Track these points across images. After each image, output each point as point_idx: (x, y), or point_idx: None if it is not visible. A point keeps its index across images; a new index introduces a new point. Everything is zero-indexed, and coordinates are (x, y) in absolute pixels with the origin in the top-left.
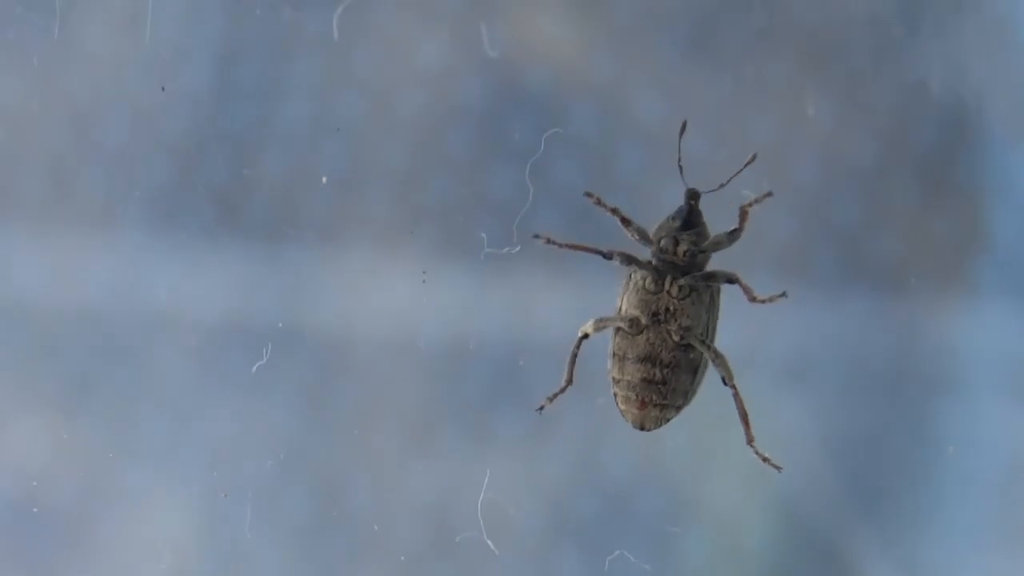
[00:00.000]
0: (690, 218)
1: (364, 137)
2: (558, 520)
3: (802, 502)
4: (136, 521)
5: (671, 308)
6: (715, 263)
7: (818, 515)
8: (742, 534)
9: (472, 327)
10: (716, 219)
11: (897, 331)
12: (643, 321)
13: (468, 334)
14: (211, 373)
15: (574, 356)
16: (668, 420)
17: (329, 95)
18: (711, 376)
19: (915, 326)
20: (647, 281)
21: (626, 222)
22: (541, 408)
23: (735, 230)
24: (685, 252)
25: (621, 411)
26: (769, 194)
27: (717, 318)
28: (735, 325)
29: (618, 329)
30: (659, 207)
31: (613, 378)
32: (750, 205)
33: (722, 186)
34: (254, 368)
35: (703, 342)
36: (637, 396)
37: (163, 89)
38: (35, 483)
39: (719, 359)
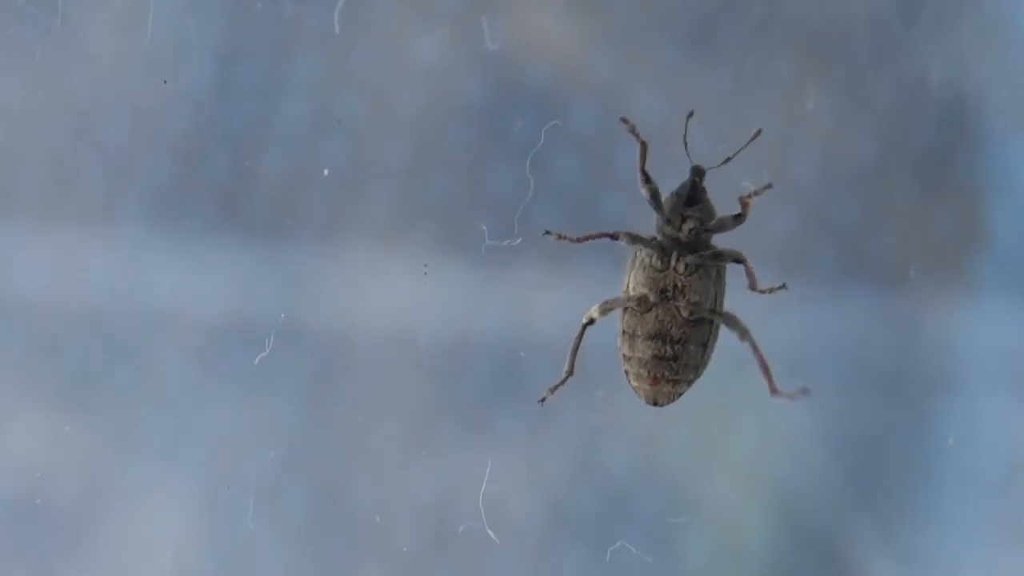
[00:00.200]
0: (694, 194)
1: (364, 133)
2: (559, 514)
3: (802, 499)
4: (137, 519)
5: (679, 285)
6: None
7: (818, 512)
8: (742, 531)
9: (473, 323)
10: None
11: (897, 328)
12: (651, 299)
13: (469, 329)
14: (212, 371)
15: (576, 346)
16: (680, 395)
17: (329, 92)
18: (710, 371)
19: (915, 323)
20: (653, 259)
21: (645, 176)
22: (543, 400)
23: (740, 214)
24: (691, 230)
25: (633, 388)
26: (769, 186)
27: (724, 291)
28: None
29: (627, 307)
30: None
31: (623, 355)
32: (750, 196)
33: (728, 160)
34: (256, 360)
35: (712, 310)
36: (649, 373)
37: (165, 82)
38: (36, 481)
39: (730, 319)
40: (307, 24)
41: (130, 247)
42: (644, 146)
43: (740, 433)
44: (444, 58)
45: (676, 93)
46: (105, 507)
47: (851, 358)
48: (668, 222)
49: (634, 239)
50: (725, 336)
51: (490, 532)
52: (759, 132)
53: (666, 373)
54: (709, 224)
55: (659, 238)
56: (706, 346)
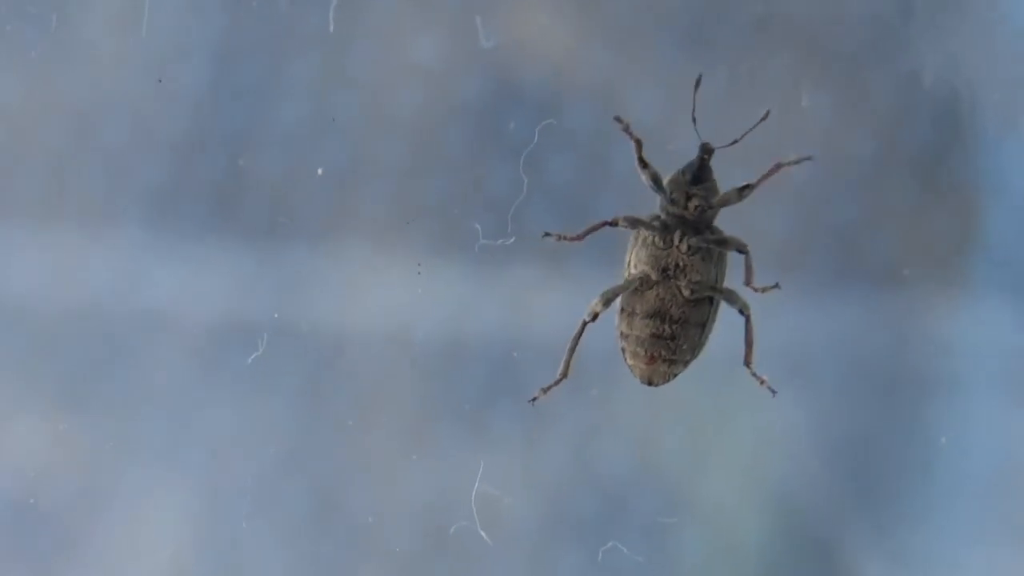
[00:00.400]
0: (701, 172)
1: (360, 133)
2: (554, 514)
3: (797, 499)
4: (135, 519)
5: (681, 264)
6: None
7: (813, 512)
8: (738, 530)
9: (468, 322)
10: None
11: (892, 328)
12: (653, 277)
13: (464, 329)
14: (209, 371)
15: (574, 346)
16: (676, 375)
17: (325, 92)
18: (706, 372)
19: (910, 323)
20: (655, 237)
21: (643, 162)
22: (534, 399)
23: (746, 186)
24: (696, 207)
25: (629, 366)
26: (809, 157)
27: (725, 271)
28: (731, 321)
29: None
30: (653, 200)
31: (621, 333)
32: (788, 164)
33: (735, 142)
34: (250, 359)
35: (713, 287)
36: (646, 352)
37: (159, 81)
38: (34, 481)
39: (732, 295)
40: (302, 23)
41: (127, 247)
42: (639, 143)
43: (736, 434)
44: (439, 57)
45: (671, 91)
46: (103, 507)
47: (847, 358)
48: (672, 202)
49: (635, 223)
50: (723, 337)
51: (482, 533)
52: (768, 114)
53: (663, 352)
54: (713, 201)
55: (663, 216)
56: (704, 327)
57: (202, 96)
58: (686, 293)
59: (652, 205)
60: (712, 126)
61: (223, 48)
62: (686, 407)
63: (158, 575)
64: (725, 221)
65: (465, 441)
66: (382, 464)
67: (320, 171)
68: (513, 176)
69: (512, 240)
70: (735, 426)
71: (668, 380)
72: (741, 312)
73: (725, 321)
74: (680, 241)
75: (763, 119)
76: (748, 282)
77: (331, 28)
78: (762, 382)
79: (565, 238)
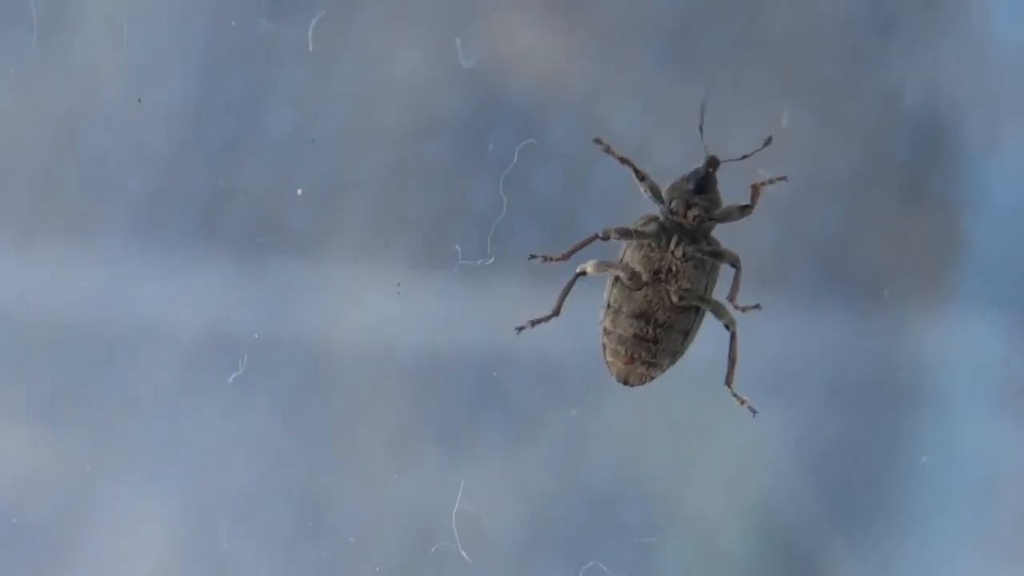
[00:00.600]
0: (705, 183)
1: (341, 150)
2: (535, 532)
3: (781, 512)
4: (117, 533)
5: (673, 269)
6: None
7: (796, 525)
8: (722, 542)
9: (449, 339)
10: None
11: (876, 342)
12: (644, 278)
13: (445, 346)
14: (192, 385)
15: (566, 290)
16: (652, 379)
17: (307, 109)
18: (689, 386)
19: (893, 336)
20: (651, 240)
21: (639, 175)
22: (520, 329)
23: (747, 206)
24: (695, 217)
25: (607, 363)
26: (783, 178)
27: (715, 282)
28: (719, 334)
29: (616, 279)
30: (635, 216)
31: (604, 329)
32: (763, 184)
33: (745, 157)
34: (230, 379)
35: (702, 298)
36: (626, 351)
37: (139, 101)
38: (15, 496)
39: (720, 308)
40: (281, 43)
41: (112, 260)
42: (624, 160)
43: (719, 448)
44: (420, 74)
45: (652, 108)
46: (87, 519)
47: (830, 371)
48: (672, 211)
49: (627, 234)
50: (707, 349)
51: (463, 553)
52: (770, 139)
53: (643, 354)
54: (714, 213)
55: (661, 219)
56: (687, 335)
57: (184, 112)
58: (674, 299)
59: (630, 218)
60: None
61: (204, 64)
62: (670, 420)
63: None
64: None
65: (447, 458)
66: (364, 481)
67: (299, 191)
68: (496, 194)
69: (492, 261)
70: (719, 440)
71: (644, 382)
72: (727, 327)
73: (712, 333)
74: (675, 246)
75: (767, 142)
76: (732, 298)
77: (310, 47)
78: (743, 402)
79: (551, 259)
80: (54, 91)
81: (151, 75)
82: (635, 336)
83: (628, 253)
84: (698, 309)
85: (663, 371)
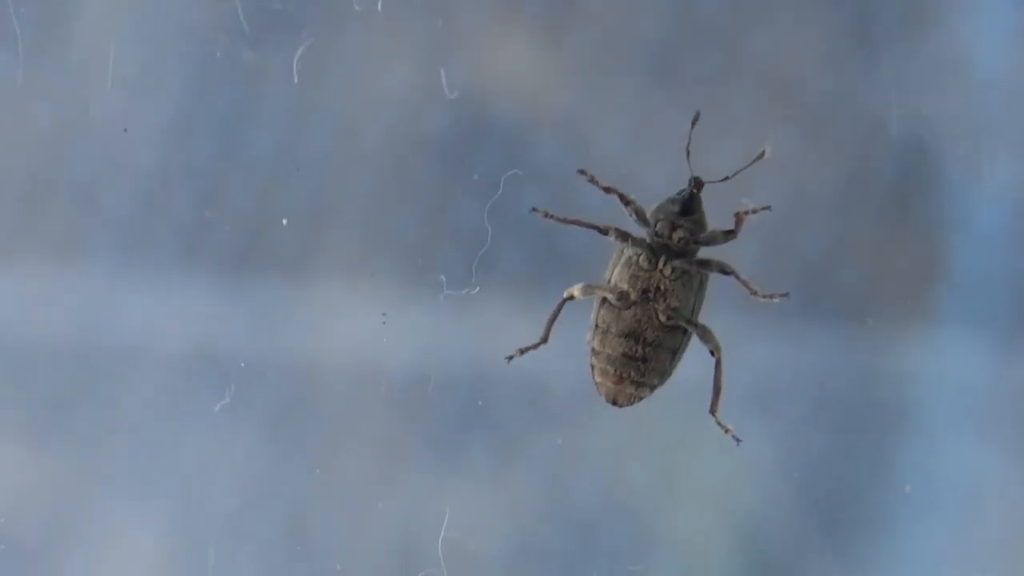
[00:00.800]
0: (690, 205)
1: (326, 176)
2: (521, 558)
3: (766, 532)
4: (104, 554)
5: (662, 287)
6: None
7: (782, 544)
8: (709, 562)
9: (435, 364)
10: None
11: (859, 362)
12: (632, 297)
13: (430, 371)
14: (177, 407)
15: (554, 316)
16: (641, 398)
17: (292, 134)
18: (675, 407)
19: (877, 357)
20: (640, 258)
21: (625, 200)
22: (510, 358)
23: (731, 231)
24: (680, 239)
25: (596, 383)
26: (767, 207)
27: (702, 303)
28: (699, 354)
29: (604, 300)
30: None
31: (593, 349)
32: (747, 213)
33: (727, 179)
34: (217, 407)
35: (689, 320)
36: (615, 371)
37: (125, 131)
38: (3, 514)
39: (706, 333)
40: (266, 72)
41: (95, 282)
42: (609, 189)
43: (705, 468)
44: (405, 101)
45: (637, 133)
46: (74, 540)
47: (814, 391)
48: (657, 233)
49: (624, 236)
50: (694, 371)
51: None
52: (763, 153)
53: (632, 374)
54: (699, 236)
55: (648, 240)
56: (675, 354)
57: (172, 132)
58: (662, 318)
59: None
60: (678, 165)
61: (192, 86)
62: (656, 442)
63: None
64: None
65: (433, 483)
66: (350, 505)
67: (285, 221)
68: (479, 223)
69: (476, 290)
70: (704, 460)
71: (632, 403)
72: (712, 353)
73: (698, 355)
74: (664, 265)
75: (758, 158)
76: (754, 292)
77: (295, 79)
78: (727, 431)
79: (552, 217)
80: (39, 113)
81: (137, 97)
82: (624, 355)
83: (616, 273)
84: (686, 329)
85: (651, 391)
